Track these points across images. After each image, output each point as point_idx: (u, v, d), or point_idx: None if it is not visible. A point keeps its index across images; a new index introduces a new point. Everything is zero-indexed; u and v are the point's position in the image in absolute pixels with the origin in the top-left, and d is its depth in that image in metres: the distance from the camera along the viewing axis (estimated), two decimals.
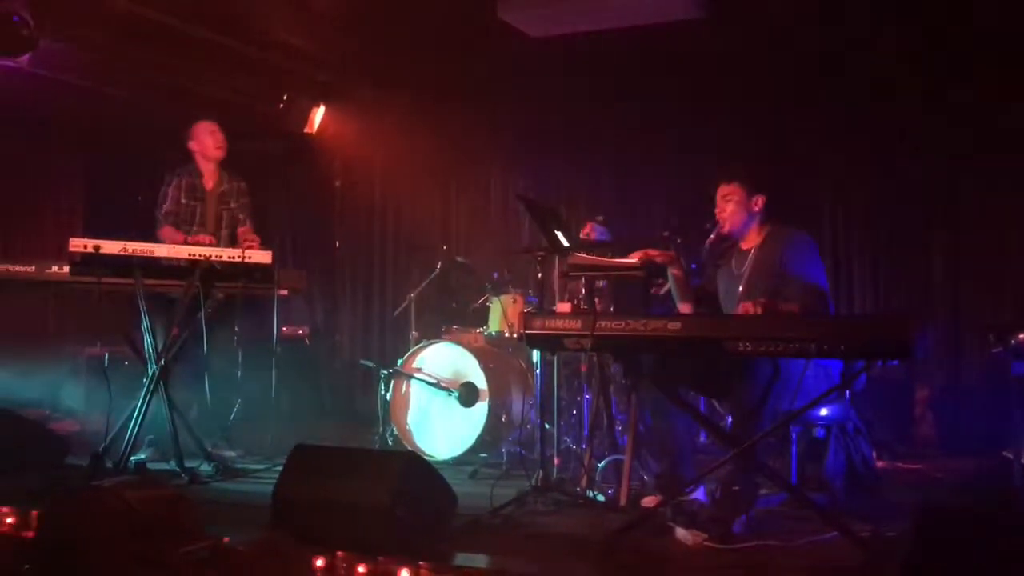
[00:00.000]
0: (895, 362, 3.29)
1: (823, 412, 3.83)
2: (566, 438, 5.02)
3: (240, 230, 5.43)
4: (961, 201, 6.05)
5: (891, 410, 5.74)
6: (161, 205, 5.34)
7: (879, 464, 4.42)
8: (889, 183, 6.20)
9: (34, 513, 3.48)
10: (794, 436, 3.85)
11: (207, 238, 5.15)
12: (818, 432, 3.93)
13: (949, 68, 5.87)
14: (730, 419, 4.09)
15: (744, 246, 4.08)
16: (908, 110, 6.06)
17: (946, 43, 5.85)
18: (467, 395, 5.21)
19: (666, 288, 4.44)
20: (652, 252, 4.09)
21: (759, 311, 3.54)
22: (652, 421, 4.04)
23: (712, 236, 4.11)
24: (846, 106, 6.22)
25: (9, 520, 3.57)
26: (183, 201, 5.33)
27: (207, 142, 5.38)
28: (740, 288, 3.95)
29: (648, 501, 3.83)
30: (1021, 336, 4.32)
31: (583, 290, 4.96)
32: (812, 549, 3.21)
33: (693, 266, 4.36)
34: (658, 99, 6.68)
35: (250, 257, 4.64)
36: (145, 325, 4.62)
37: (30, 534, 3.38)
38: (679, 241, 4.48)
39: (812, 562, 3.01)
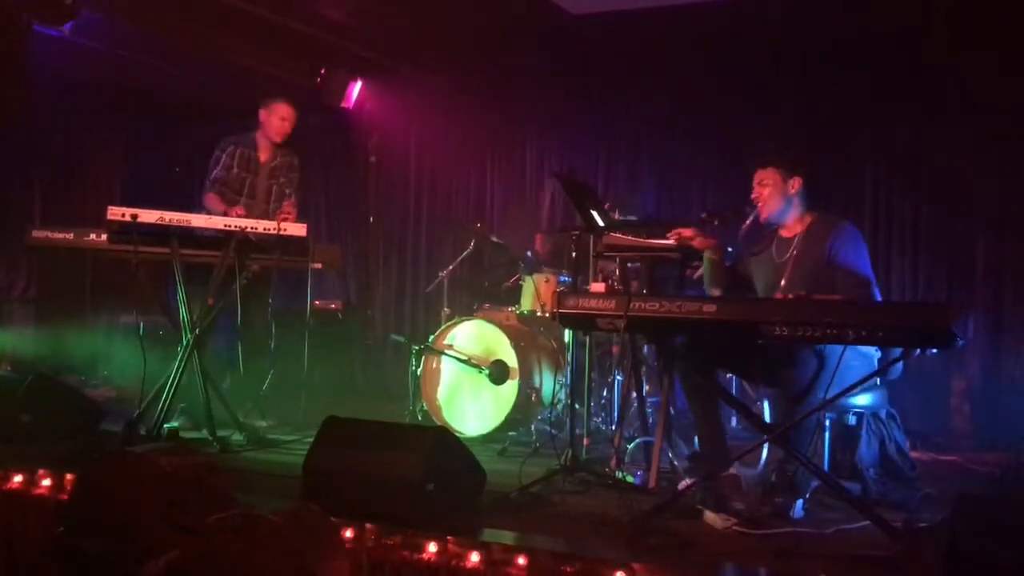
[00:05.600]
0: (934, 351, 3.23)
1: (856, 400, 3.78)
2: (596, 419, 5.01)
3: (286, 203, 5.46)
4: (1004, 192, 5.92)
5: (928, 402, 5.68)
6: (212, 170, 5.37)
7: (914, 455, 4.36)
8: (931, 173, 6.08)
9: (69, 477, 3.53)
10: (827, 423, 3.81)
11: (242, 210, 5.18)
12: (850, 419, 3.89)
13: (995, 57, 5.74)
14: (766, 403, 4.05)
15: (785, 234, 4.03)
16: (950, 97, 5.94)
17: (994, 32, 5.72)
18: (497, 373, 5.20)
19: (701, 271, 4.40)
20: (688, 233, 4.06)
21: None
22: (687, 402, 4.01)
23: (748, 221, 4.07)
24: (890, 94, 6.10)
25: (45, 483, 3.63)
26: (235, 171, 5.36)
27: (276, 125, 5.41)
28: (784, 278, 3.90)
29: (683, 485, 3.80)
30: None
31: (617, 270, 4.93)
32: (843, 537, 3.18)
33: (729, 249, 4.32)
34: (698, 80, 6.61)
35: (285, 229, 4.65)
36: (180, 295, 4.65)
37: (64, 497, 3.43)
38: (716, 224, 4.44)
39: (843, 550, 2.98)
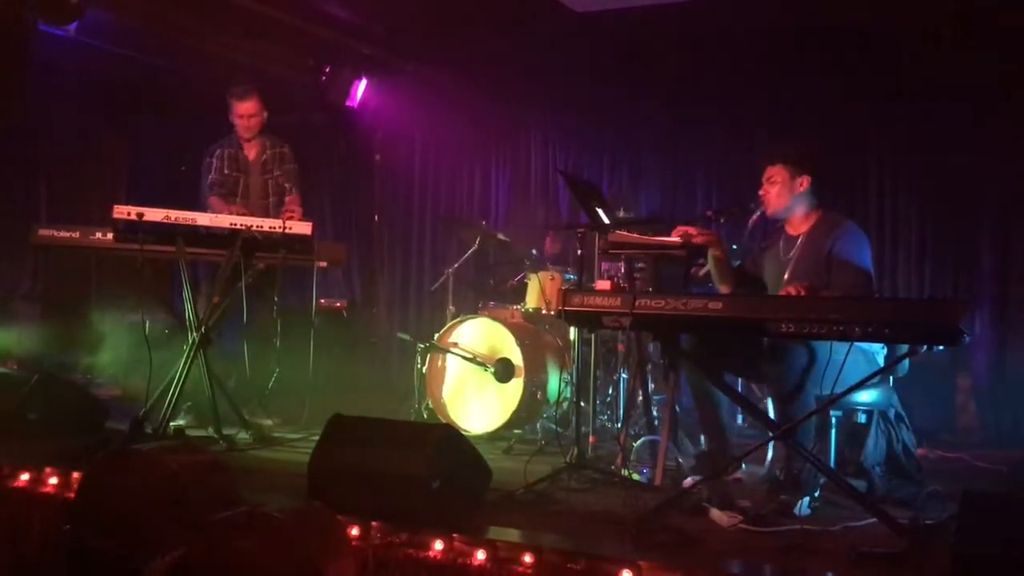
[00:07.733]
0: (940, 348, 3.22)
1: (865, 397, 3.77)
2: (602, 417, 5.00)
3: (288, 199, 5.46)
4: (1010, 190, 5.90)
5: (934, 399, 5.67)
6: (206, 175, 5.41)
7: (920, 452, 4.35)
8: (937, 169, 6.06)
9: (75, 475, 3.54)
10: (833, 421, 3.81)
11: (243, 210, 5.18)
12: (860, 417, 3.88)
13: (999, 53, 5.71)
14: (771, 401, 4.05)
15: (791, 232, 4.04)
16: (956, 92, 5.91)
17: (999, 24, 5.70)
18: (503, 371, 5.20)
19: (707, 268, 4.40)
20: (692, 230, 4.06)
21: (802, 294, 3.49)
22: (694, 401, 4.01)
23: (754, 217, 4.07)
24: (895, 90, 6.09)
25: (51, 481, 3.63)
26: (226, 171, 5.38)
27: (240, 124, 5.44)
28: (786, 274, 3.90)
29: (688, 483, 3.80)
30: None
31: (622, 268, 4.93)
32: (849, 534, 3.17)
33: (734, 247, 4.31)
34: (703, 76, 6.60)
35: (290, 228, 4.65)
36: (186, 293, 4.65)
37: (71, 495, 3.44)
38: (721, 221, 4.45)
39: (849, 547, 2.97)
